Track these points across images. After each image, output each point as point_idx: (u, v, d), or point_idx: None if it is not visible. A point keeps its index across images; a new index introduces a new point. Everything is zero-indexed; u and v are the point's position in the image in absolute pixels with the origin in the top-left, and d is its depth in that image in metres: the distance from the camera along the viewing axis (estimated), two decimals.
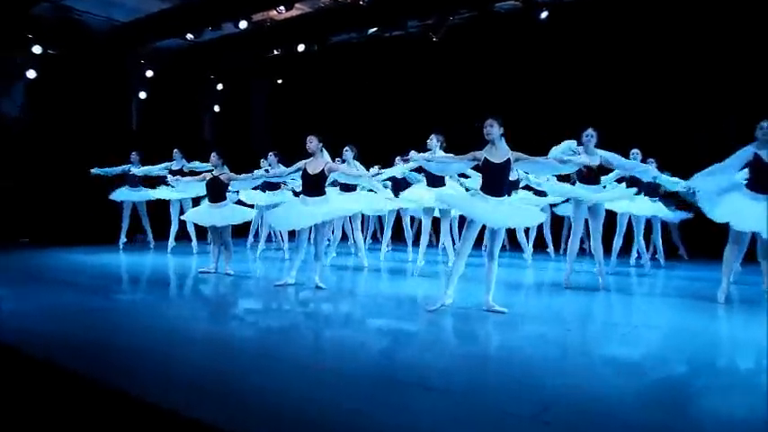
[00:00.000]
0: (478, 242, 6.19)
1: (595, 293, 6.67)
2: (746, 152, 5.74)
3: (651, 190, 8.36)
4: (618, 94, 10.62)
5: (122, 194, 10.43)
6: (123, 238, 10.57)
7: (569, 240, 7.15)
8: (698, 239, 9.48)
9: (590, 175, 6.71)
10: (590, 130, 6.57)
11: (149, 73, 12.89)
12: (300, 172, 6.73)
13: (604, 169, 6.97)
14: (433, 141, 7.43)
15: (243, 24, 11.09)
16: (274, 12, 11.00)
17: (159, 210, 10.71)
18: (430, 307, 5.43)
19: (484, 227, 5.49)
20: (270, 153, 9.56)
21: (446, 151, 7.29)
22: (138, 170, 10.27)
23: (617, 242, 8.40)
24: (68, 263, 8.96)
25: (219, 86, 14.24)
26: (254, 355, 4.13)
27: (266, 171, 9.16)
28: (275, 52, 12.96)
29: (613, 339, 4.78)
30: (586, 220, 7.06)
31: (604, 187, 7.12)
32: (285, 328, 5.14)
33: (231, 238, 7.88)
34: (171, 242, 10.21)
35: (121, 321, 5.11)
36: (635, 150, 8.11)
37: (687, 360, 4.14)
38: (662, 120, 10.46)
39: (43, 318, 5.02)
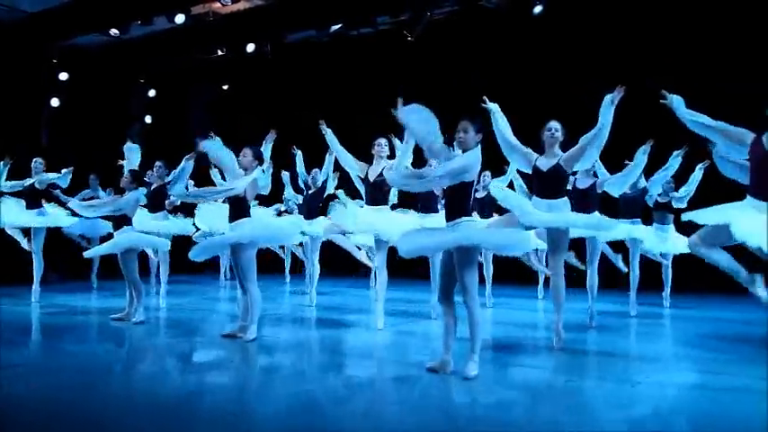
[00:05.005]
0: None
1: None
2: None
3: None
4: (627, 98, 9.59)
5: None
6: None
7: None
8: None
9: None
10: (553, 123, 5.51)
11: (63, 75, 11.75)
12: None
13: None
14: (383, 148, 6.59)
15: (179, 18, 10.32)
16: (218, 4, 10.28)
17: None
18: None
19: None
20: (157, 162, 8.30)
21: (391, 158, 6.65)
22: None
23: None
24: None
25: (152, 93, 13.35)
26: None
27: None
28: (219, 53, 12.22)
29: None
30: None
31: None
32: None
33: (137, 274, 7.00)
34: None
35: None
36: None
37: None
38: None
39: None
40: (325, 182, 8.31)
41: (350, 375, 4.91)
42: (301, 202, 8.79)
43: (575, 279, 7.03)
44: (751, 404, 4.08)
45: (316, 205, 8.43)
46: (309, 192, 8.50)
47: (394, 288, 9.01)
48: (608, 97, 5.18)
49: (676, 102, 4.74)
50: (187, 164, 7.60)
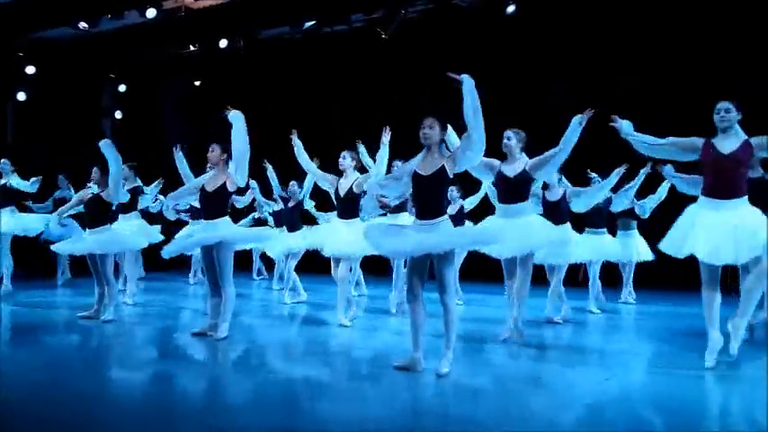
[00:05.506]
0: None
1: None
2: None
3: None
4: (595, 97, 9.75)
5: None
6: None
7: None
8: None
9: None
10: (506, 132, 5.63)
11: (30, 69, 11.45)
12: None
13: None
14: (347, 161, 6.56)
15: (151, 13, 10.15)
16: None
17: None
18: None
19: None
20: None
21: (362, 171, 6.74)
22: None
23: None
24: None
25: (122, 87, 13.12)
26: None
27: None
28: (192, 48, 12.03)
29: None
30: None
31: None
32: None
33: (113, 274, 6.93)
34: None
35: None
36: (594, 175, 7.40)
37: None
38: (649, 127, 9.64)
39: None
40: (305, 195, 8.36)
41: (320, 374, 4.87)
42: (279, 212, 8.87)
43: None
44: (726, 395, 4.24)
45: (296, 218, 8.47)
46: (288, 205, 8.51)
47: (368, 285, 9.11)
48: (576, 119, 5.27)
49: (626, 127, 4.96)
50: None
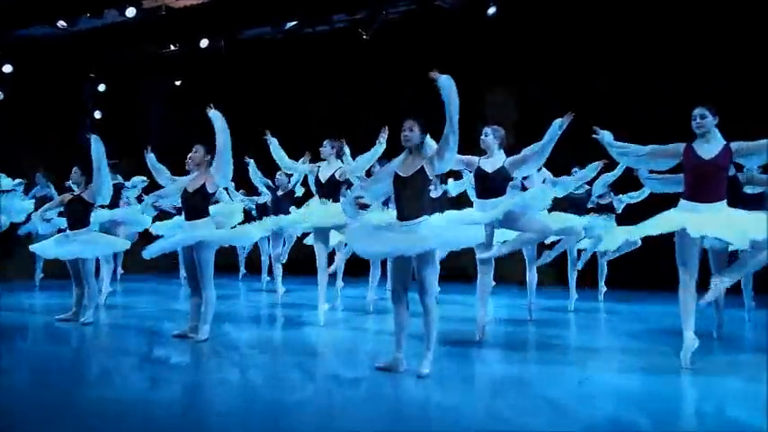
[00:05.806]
0: None
1: None
2: None
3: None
4: (572, 98, 9.85)
5: None
6: None
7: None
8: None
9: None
10: (485, 129, 5.72)
11: (7, 68, 11.28)
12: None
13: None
14: (327, 149, 6.65)
15: (131, 12, 10.13)
16: None
17: None
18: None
19: None
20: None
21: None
22: None
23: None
24: None
25: (101, 87, 12.98)
26: None
27: None
28: (172, 47, 11.95)
29: None
30: None
31: None
32: None
33: (94, 275, 6.83)
34: None
35: None
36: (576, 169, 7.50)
37: None
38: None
39: None
40: (295, 184, 8.61)
41: (301, 375, 4.87)
42: (263, 204, 9.06)
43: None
44: (702, 394, 4.28)
45: (286, 206, 8.44)
46: (278, 194, 8.66)
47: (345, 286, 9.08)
48: (557, 121, 5.32)
49: (607, 137, 5.07)
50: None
